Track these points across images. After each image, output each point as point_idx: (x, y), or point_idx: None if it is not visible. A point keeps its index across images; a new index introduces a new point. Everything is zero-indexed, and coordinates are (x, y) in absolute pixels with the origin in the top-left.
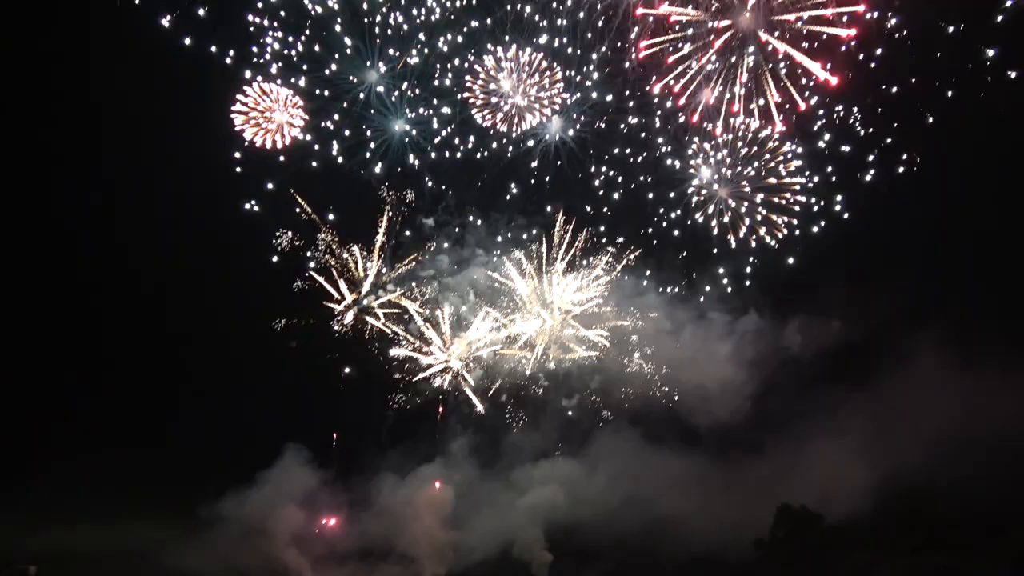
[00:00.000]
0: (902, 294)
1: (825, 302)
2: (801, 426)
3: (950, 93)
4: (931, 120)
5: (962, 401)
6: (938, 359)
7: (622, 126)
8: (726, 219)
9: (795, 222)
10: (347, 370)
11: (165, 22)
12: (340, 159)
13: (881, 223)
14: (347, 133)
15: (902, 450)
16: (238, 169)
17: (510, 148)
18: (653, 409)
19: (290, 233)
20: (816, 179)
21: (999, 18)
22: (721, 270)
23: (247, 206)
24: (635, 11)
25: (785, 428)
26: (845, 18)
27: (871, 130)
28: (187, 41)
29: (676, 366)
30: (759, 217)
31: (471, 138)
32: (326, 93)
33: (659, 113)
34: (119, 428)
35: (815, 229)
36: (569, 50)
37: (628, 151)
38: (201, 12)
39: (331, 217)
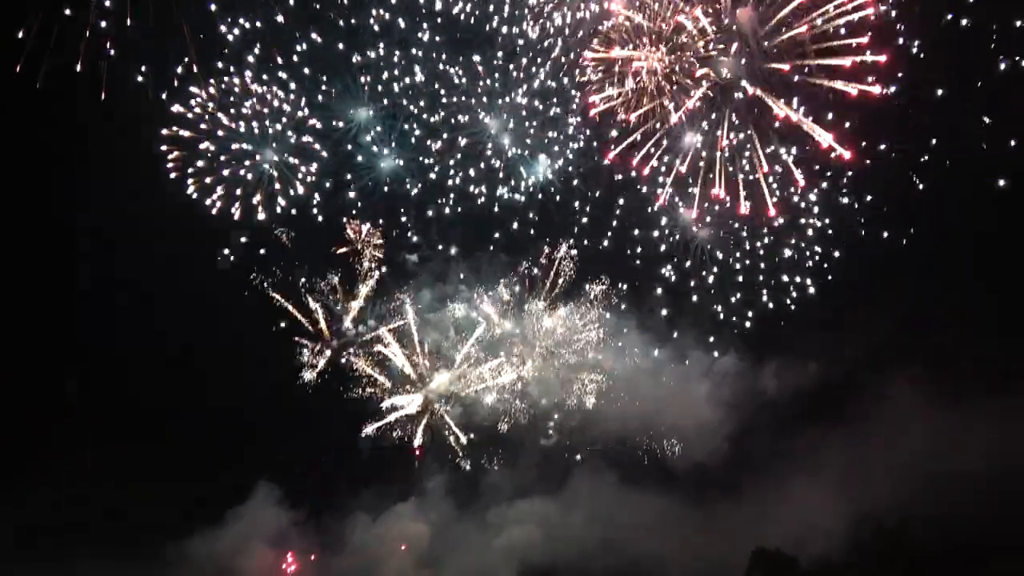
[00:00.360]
0: (877, 333)
1: (802, 342)
2: (778, 467)
3: (948, 163)
4: (922, 187)
5: (937, 437)
6: (912, 397)
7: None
8: (711, 278)
9: (808, 282)
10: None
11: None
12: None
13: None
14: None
15: (879, 488)
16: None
17: (496, 204)
18: (630, 450)
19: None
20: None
21: (978, 84)
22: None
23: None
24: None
25: (762, 469)
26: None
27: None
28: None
29: (654, 407)
30: (760, 276)
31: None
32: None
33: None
34: (80, 458)
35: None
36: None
37: (599, 194)
38: (179, 69)
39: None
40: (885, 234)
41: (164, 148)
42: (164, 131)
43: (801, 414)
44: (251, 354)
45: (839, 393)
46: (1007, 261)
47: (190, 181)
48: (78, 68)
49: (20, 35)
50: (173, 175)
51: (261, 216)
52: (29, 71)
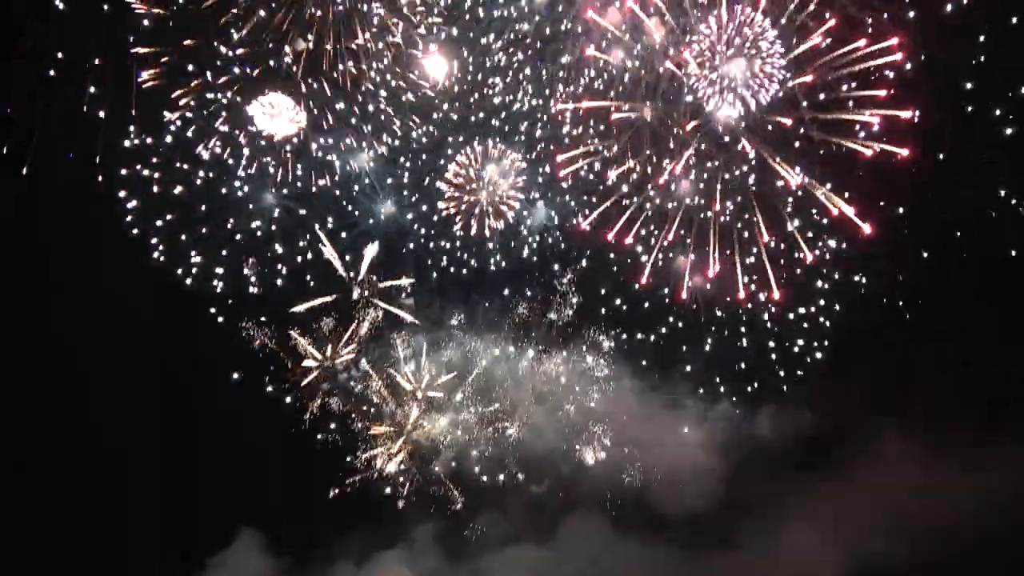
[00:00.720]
0: (875, 381)
1: (798, 389)
2: (773, 514)
3: (959, 234)
4: (925, 255)
5: (934, 487)
6: (909, 445)
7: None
8: (708, 340)
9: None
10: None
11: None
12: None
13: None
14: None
15: (874, 536)
16: None
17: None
18: (623, 496)
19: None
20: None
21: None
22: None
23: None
24: (555, 103)
25: (756, 516)
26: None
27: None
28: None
29: (647, 453)
30: (770, 340)
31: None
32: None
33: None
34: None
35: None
36: None
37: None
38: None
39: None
40: (885, 300)
41: (123, 194)
42: (124, 170)
43: (797, 461)
44: (236, 397)
45: (835, 440)
46: (1005, 314)
47: (155, 240)
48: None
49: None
50: (134, 231)
51: (254, 289)
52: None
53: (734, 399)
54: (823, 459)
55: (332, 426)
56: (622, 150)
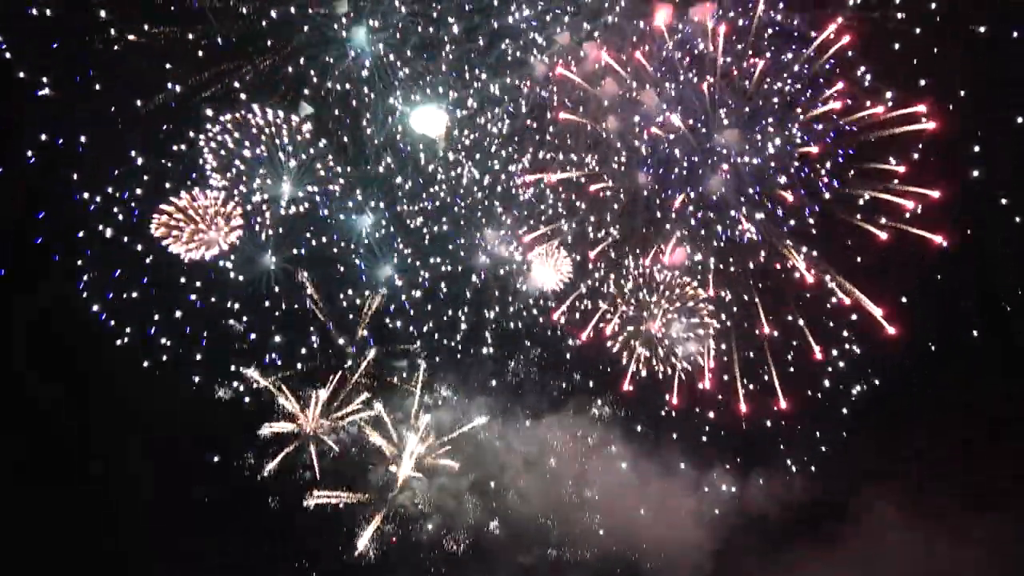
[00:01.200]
0: (872, 452)
1: (792, 458)
2: None
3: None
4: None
5: (928, 562)
6: (903, 521)
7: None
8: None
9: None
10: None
11: None
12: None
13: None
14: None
15: None
16: None
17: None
18: (613, 567)
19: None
20: None
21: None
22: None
23: None
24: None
25: None
26: None
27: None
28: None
29: (638, 523)
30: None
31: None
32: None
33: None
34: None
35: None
36: None
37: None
38: None
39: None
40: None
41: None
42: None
43: (790, 533)
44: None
45: (829, 513)
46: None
47: (114, 323)
48: None
49: None
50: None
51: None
52: None
53: (728, 474)
54: (817, 531)
55: (316, 493)
56: (602, 227)
